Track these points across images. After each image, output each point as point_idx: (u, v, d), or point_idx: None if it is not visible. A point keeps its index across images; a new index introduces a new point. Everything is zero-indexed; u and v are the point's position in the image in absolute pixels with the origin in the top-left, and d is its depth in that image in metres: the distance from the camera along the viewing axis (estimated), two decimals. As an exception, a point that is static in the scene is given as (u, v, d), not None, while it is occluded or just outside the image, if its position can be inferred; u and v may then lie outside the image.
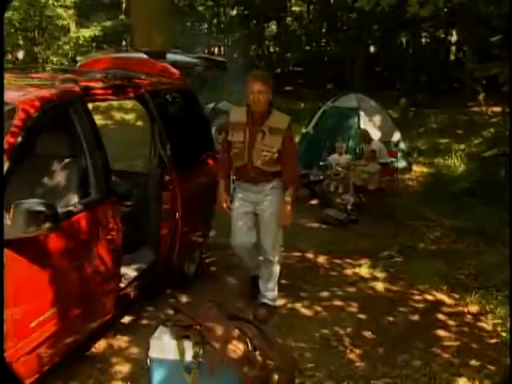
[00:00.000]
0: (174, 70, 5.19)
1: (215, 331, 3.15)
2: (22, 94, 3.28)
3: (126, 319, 4.37)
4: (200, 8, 26.28)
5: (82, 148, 3.55)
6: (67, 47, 21.13)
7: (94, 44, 21.40)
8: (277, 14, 25.67)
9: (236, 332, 3.19)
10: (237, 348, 3.09)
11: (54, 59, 20.79)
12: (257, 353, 3.15)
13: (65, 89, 3.55)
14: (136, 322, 4.37)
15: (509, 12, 5.65)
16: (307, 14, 25.82)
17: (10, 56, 22.06)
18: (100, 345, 3.98)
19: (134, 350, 3.93)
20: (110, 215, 3.64)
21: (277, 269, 4.64)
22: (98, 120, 14.04)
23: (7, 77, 4.15)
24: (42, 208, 2.73)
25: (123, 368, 3.74)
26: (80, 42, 21.03)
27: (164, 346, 3.15)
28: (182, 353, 3.10)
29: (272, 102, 4.35)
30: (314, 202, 8.42)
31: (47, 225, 2.76)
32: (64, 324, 3.20)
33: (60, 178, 3.61)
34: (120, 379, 3.62)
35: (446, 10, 15.34)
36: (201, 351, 3.08)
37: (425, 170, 10.79)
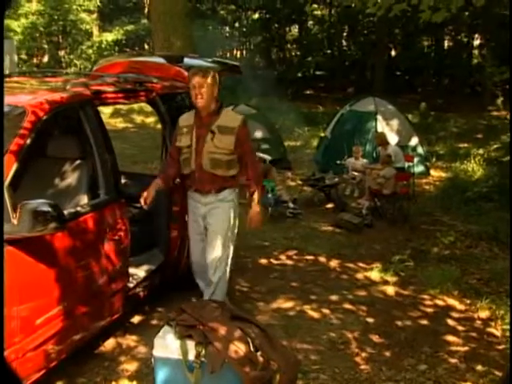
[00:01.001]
0: (186, 74, 5.24)
1: (218, 331, 3.20)
2: (32, 97, 3.38)
3: (136, 319, 4.44)
4: (222, 12, 26.45)
5: (92, 150, 3.65)
6: (90, 51, 21.53)
7: (116, 48, 21.73)
8: (298, 18, 25.74)
9: (238, 332, 3.22)
10: (238, 348, 3.13)
11: (78, 63, 21.17)
12: (258, 353, 3.19)
13: (75, 92, 3.64)
14: (145, 321, 4.44)
15: (509, 12, 5.61)
16: (329, 17, 25.82)
17: (34, 60, 22.53)
18: (109, 343, 4.06)
19: (142, 349, 4.00)
20: (118, 216, 3.72)
21: (219, 290, 4.16)
22: (119, 123, 14.26)
23: (23, 80, 4.28)
24: (47, 208, 2.80)
25: (130, 366, 3.81)
26: (103, 46, 21.39)
27: (168, 345, 3.22)
28: (184, 352, 3.16)
29: (220, 101, 4.05)
30: (329, 205, 8.40)
31: (53, 225, 2.83)
32: (70, 321, 3.28)
33: (69, 179, 3.71)
34: (127, 377, 3.69)
35: (467, 13, 15.30)
36: (203, 351, 3.14)
37: (443, 174, 10.69)
